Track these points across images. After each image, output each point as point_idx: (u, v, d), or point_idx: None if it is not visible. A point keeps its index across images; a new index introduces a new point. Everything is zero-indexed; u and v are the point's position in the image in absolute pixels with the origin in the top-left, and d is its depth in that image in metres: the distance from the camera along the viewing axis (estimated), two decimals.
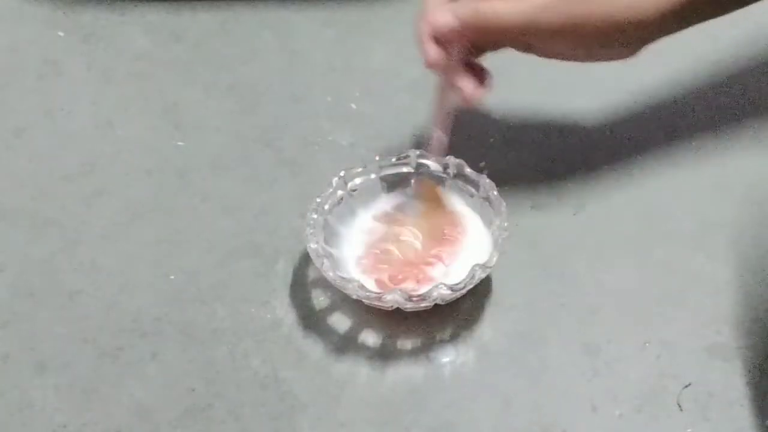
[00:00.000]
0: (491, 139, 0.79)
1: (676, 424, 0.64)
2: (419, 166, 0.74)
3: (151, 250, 0.74)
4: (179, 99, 0.83)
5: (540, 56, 0.71)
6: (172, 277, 0.72)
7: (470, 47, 0.71)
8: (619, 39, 0.68)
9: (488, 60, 0.72)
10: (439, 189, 0.74)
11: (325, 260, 0.67)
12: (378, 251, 0.71)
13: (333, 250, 0.70)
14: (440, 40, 0.70)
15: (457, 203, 0.73)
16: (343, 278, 0.67)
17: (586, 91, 0.82)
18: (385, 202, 0.74)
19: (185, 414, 0.65)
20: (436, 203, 0.73)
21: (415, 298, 0.66)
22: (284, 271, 0.72)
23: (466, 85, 0.71)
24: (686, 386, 0.64)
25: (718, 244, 0.73)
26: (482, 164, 0.76)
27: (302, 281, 0.71)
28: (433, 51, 0.70)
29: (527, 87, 0.82)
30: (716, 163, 0.78)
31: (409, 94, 0.83)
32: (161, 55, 0.87)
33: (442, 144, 0.73)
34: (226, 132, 0.81)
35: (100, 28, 0.88)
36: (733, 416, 0.64)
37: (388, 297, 0.66)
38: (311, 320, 0.69)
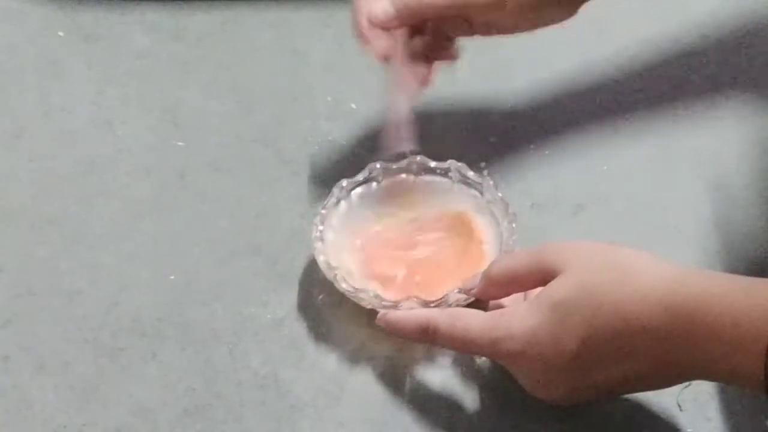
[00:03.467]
0: (491, 139, 0.79)
1: (676, 424, 0.64)
2: (420, 170, 0.73)
3: (151, 250, 0.74)
4: (179, 99, 0.83)
5: (483, 35, 0.71)
6: (172, 277, 0.72)
7: (415, 37, 0.71)
8: None
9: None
10: (414, 185, 0.73)
11: (336, 272, 0.67)
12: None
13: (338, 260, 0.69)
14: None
15: (464, 207, 0.73)
16: (357, 289, 0.67)
17: (586, 90, 0.81)
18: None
19: (185, 414, 0.65)
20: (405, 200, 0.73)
21: (432, 305, 0.66)
22: (284, 271, 0.72)
23: (418, 73, 0.71)
24: (686, 386, 0.64)
25: (718, 243, 0.73)
26: (482, 164, 0.76)
27: (302, 281, 0.71)
28: (381, 41, 0.69)
29: (527, 87, 0.82)
30: (717, 163, 0.78)
31: None
32: (161, 55, 0.87)
33: (402, 135, 0.72)
34: (226, 132, 0.81)
35: (100, 28, 0.88)
36: (733, 416, 0.64)
37: (405, 305, 0.66)
38: (311, 320, 0.69)
